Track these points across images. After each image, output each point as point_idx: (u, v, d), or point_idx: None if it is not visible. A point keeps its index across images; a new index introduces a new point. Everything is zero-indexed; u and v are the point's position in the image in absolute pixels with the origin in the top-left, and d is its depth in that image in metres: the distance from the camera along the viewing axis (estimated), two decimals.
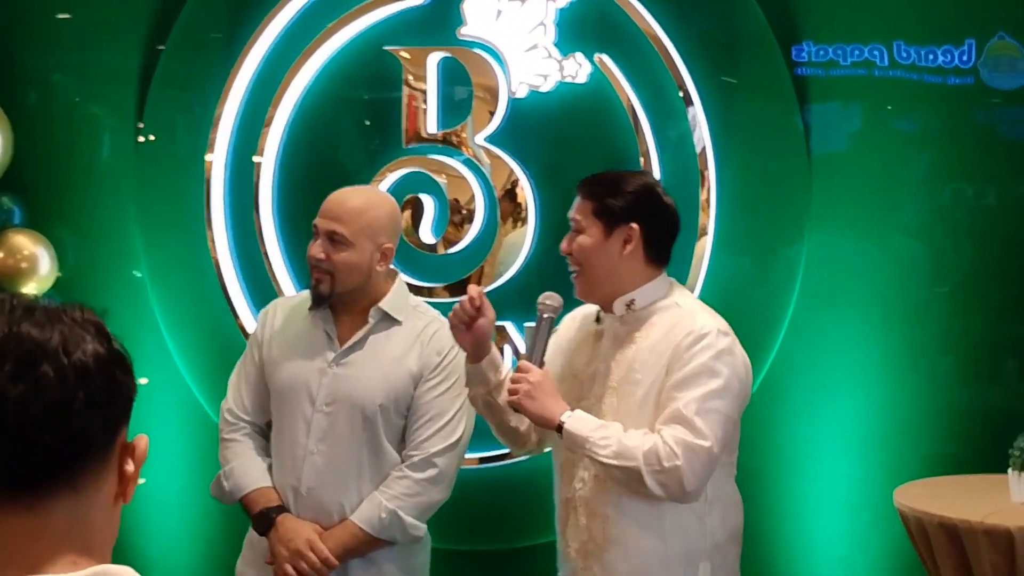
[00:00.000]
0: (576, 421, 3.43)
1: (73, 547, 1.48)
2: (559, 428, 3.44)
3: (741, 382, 3.43)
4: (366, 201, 3.84)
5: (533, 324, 3.65)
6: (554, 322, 3.60)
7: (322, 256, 3.72)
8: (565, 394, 3.59)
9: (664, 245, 3.59)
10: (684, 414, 3.32)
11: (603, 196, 3.54)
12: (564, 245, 3.60)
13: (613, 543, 3.52)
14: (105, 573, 1.46)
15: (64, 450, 1.46)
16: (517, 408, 3.51)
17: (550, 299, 3.57)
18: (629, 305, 3.53)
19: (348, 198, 3.80)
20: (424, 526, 3.78)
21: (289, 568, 3.67)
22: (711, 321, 3.45)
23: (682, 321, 3.45)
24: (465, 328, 3.54)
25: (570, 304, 3.67)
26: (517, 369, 3.53)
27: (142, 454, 1.54)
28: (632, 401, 3.47)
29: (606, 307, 3.59)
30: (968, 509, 4.06)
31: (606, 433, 3.38)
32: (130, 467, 1.53)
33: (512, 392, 3.50)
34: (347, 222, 3.72)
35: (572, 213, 3.59)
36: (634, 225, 3.51)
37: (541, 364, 3.54)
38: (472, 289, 3.61)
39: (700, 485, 3.35)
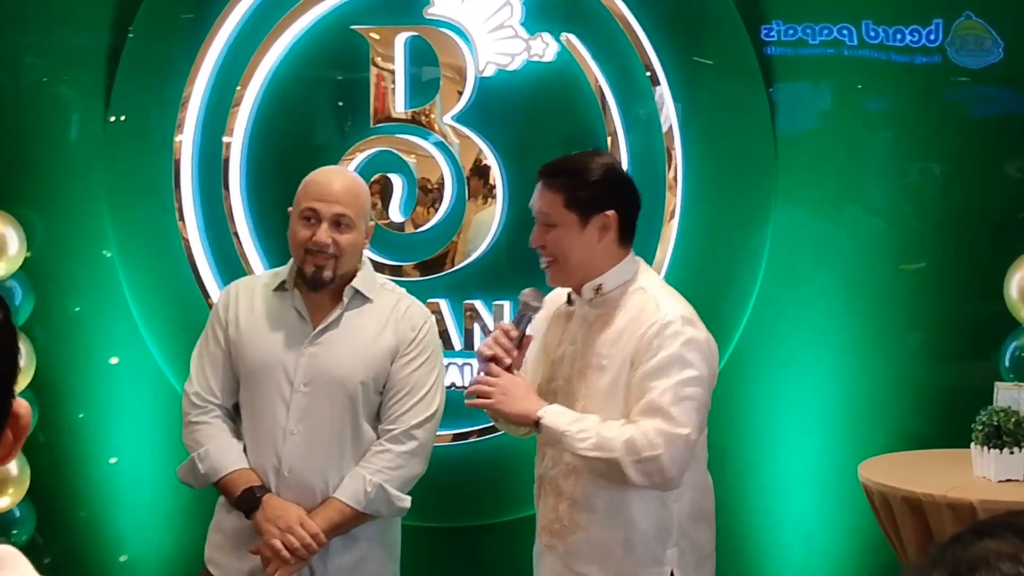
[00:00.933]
0: (552, 416, 3.45)
1: None
2: (536, 424, 3.47)
3: (710, 368, 3.46)
4: (355, 182, 3.88)
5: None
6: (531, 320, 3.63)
7: (329, 241, 3.71)
8: (538, 375, 3.63)
9: (634, 223, 3.62)
10: (660, 404, 3.35)
11: (572, 188, 3.53)
12: (535, 238, 3.59)
13: (578, 527, 3.56)
14: None
15: None
16: (492, 411, 3.56)
17: (532, 299, 3.60)
18: (597, 290, 3.55)
19: (337, 179, 3.81)
20: (409, 498, 3.80)
21: (279, 544, 3.66)
22: (675, 308, 3.46)
23: (646, 308, 3.47)
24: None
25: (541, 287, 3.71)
26: (486, 373, 3.55)
27: (25, 422, 1.51)
28: (599, 387, 3.50)
29: (577, 290, 3.61)
30: (931, 483, 4.09)
31: (584, 426, 3.40)
32: (10, 436, 1.50)
33: (483, 395, 3.53)
34: (349, 204, 3.74)
35: (539, 206, 3.58)
36: (610, 212, 3.52)
37: (521, 353, 3.57)
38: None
39: (680, 473, 3.39)
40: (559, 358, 3.62)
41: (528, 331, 3.62)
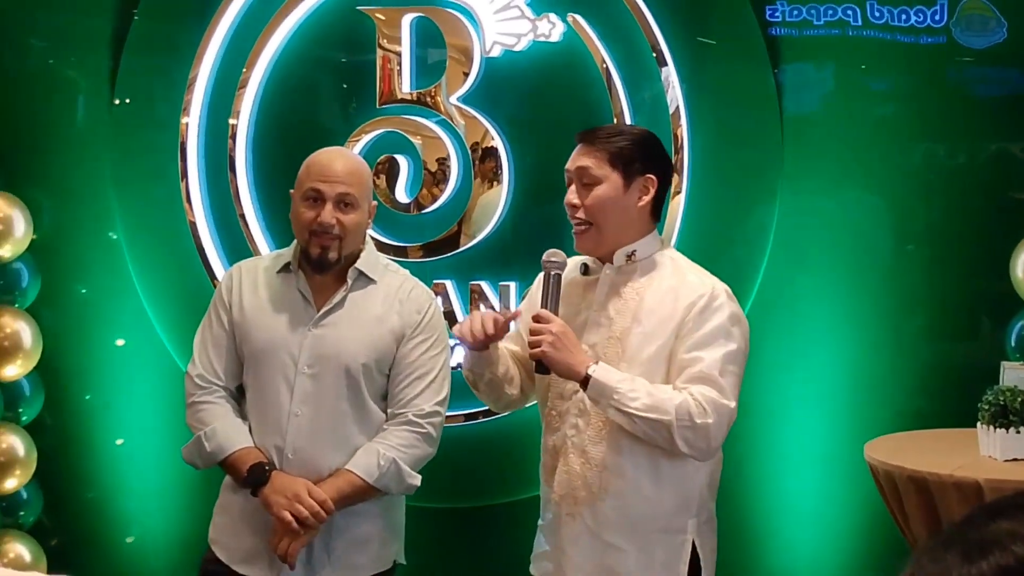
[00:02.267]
0: (604, 371, 3.43)
1: None
2: (586, 379, 3.43)
3: (747, 344, 3.53)
4: (357, 161, 3.89)
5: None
6: (560, 278, 3.59)
7: (334, 221, 3.71)
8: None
9: (665, 196, 3.66)
10: (710, 374, 3.38)
11: (616, 145, 3.54)
12: (573, 198, 3.56)
13: (608, 493, 3.54)
14: None
15: None
16: (541, 358, 3.47)
17: (555, 256, 3.57)
18: (630, 256, 3.56)
19: (339, 159, 3.81)
20: (419, 476, 3.80)
21: (287, 514, 3.66)
22: (718, 282, 3.52)
23: (688, 279, 3.51)
24: (473, 343, 3.57)
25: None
26: (536, 319, 3.50)
27: None
28: (644, 352, 3.49)
29: (605, 258, 3.60)
30: (937, 462, 4.09)
31: (634, 386, 3.40)
32: None
33: (534, 344, 3.47)
34: (353, 184, 3.74)
35: (580, 163, 3.55)
36: (652, 176, 3.54)
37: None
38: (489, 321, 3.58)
39: (719, 444, 3.47)
40: (580, 325, 3.59)
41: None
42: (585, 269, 3.65)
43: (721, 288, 3.49)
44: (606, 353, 3.53)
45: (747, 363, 3.54)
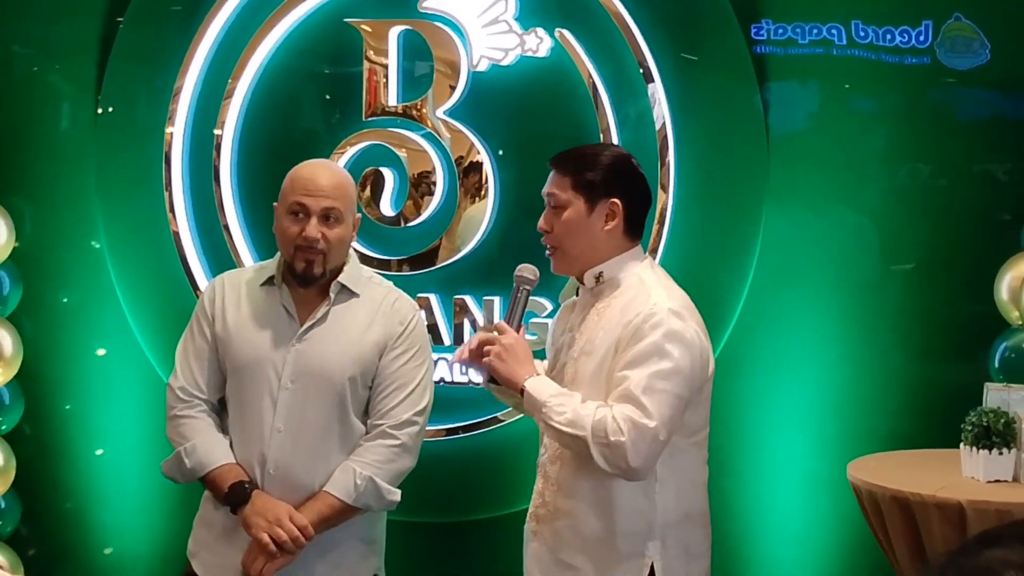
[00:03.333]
0: (537, 384, 3.48)
1: None
2: (522, 392, 3.49)
3: (693, 363, 3.42)
4: (341, 174, 3.86)
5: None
6: (530, 294, 3.65)
7: (319, 236, 3.68)
8: (548, 361, 3.67)
9: (641, 217, 3.63)
10: (633, 392, 3.34)
11: (582, 169, 3.56)
12: (543, 223, 3.61)
13: (563, 513, 3.57)
14: None
15: None
16: (488, 368, 3.56)
17: (529, 272, 3.63)
18: (598, 277, 3.57)
19: (323, 173, 3.78)
20: (399, 492, 3.78)
21: (266, 537, 3.64)
22: (664, 299, 3.45)
23: (638, 297, 3.47)
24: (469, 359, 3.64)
25: (546, 277, 3.72)
26: (493, 329, 3.59)
27: None
28: (586, 372, 3.51)
29: (580, 279, 3.64)
30: (920, 483, 4.09)
31: (563, 400, 3.42)
32: None
33: (484, 354, 3.56)
34: (338, 198, 3.72)
35: (548, 189, 3.60)
36: (616, 200, 3.53)
37: (517, 332, 3.60)
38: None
39: (645, 463, 3.37)
40: (560, 347, 3.66)
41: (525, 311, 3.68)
42: (578, 290, 3.68)
43: (664, 306, 3.41)
44: (569, 372, 3.58)
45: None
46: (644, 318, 3.40)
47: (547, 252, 3.62)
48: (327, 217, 3.69)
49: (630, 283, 3.53)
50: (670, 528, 3.54)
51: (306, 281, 3.74)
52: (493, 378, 3.60)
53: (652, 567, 3.51)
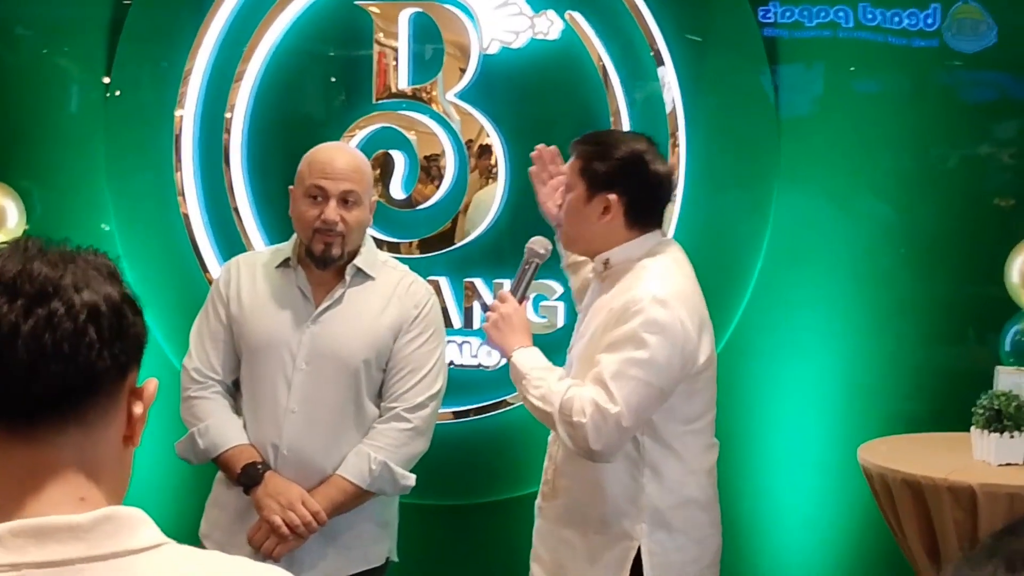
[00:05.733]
0: (524, 356, 3.54)
1: (81, 485, 1.51)
2: (509, 360, 3.56)
3: (671, 353, 3.39)
4: (359, 157, 3.86)
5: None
6: (538, 267, 3.68)
7: (338, 219, 3.69)
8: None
9: (648, 212, 3.60)
10: (602, 376, 3.36)
11: (591, 157, 3.57)
12: (559, 195, 3.70)
13: (561, 492, 3.63)
14: (111, 517, 1.48)
15: (72, 382, 1.48)
16: (486, 334, 3.64)
17: (540, 246, 3.67)
18: (605, 263, 3.58)
19: (341, 156, 3.79)
20: (413, 476, 3.79)
21: (279, 520, 3.66)
22: (652, 286, 3.43)
23: (632, 285, 3.48)
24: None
25: (559, 260, 3.80)
26: (499, 300, 3.65)
27: (150, 396, 1.58)
28: (581, 353, 3.56)
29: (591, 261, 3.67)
30: (932, 466, 4.10)
31: (542, 375, 3.47)
32: (138, 408, 1.57)
33: (485, 320, 3.65)
34: (357, 181, 3.73)
35: (565, 167, 3.67)
36: (611, 196, 3.53)
37: (521, 303, 3.64)
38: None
39: (606, 448, 3.37)
40: (576, 327, 3.69)
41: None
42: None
43: (649, 293, 3.39)
44: (571, 355, 3.64)
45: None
46: (627, 304, 3.40)
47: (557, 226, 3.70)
48: (346, 200, 3.70)
49: (635, 270, 3.53)
50: (660, 513, 3.54)
51: (325, 263, 3.74)
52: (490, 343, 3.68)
53: (639, 550, 3.54)
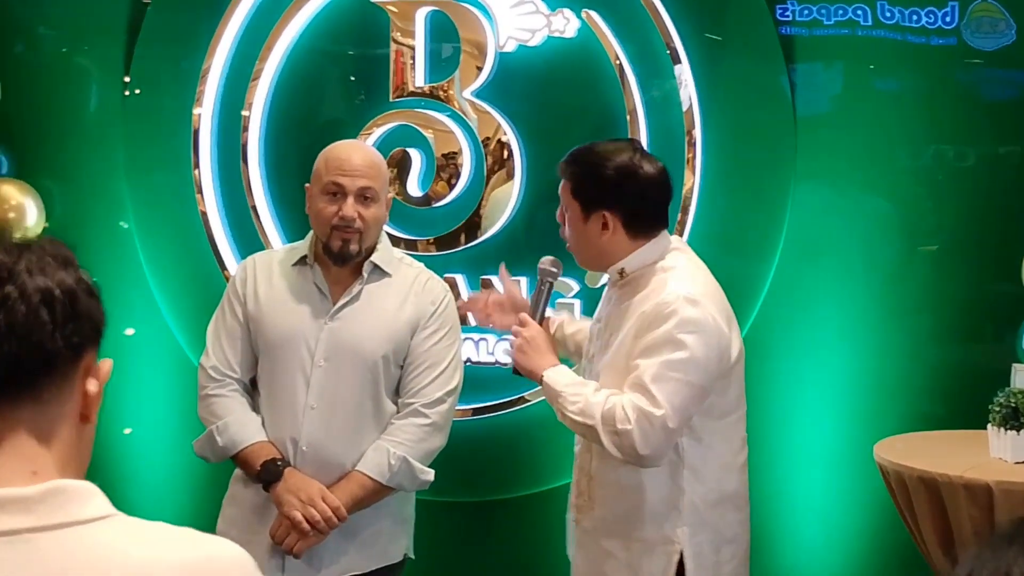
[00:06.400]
0: (555, 375, 3.55)
1: (34, 460, 1.57)
2: (541, 381, 3.55)
3: (708, 350, 3.42)
4: (374, 154, 3.89)
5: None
6: (553, 286, 3.73)
7: (356, 215, 3.71)
8: (584, 351, 3.71)
9: (649, 217, 3.60)
10: (643, 381, 3.37)
11: (580, 178, 3.58)
12: (559, 214, 3.68)
13: (597, 502, 3.62)
14: (60, 489, 1.55)
15: (26, 362, 1.55)
16: (512, 361, 3.67)
17: (551, 265, 3.71)
18: (621, 272, 3.58)
19: (358, 153, 3.81)
20: (432, 471, 3.81)
21: (299, 515, 3.67)
22: (682, 287, 3.45)
23: (657, 288, 3.48)
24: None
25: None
26: (520, 324, 3.69)
27: (106, 375, 1.65)
28: (612, 362, 3.54)
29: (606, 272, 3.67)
30: (948, 463, 4.09)
31: (577, 390, 3.48)
32: (92, 387, 1.63)
33: (512, 344, 3.67)
34: (374, 177, 3.75)
35: (559, 190, 3.65)
36: (606, 213, 3.53)
37: (540, 324, 3.66)
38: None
39: (655, 451, 3.39)
40: (592, 336, 3.69)
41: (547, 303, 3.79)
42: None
43: (679, 294, 3.41)
44: (596, 362, 3.63)
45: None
46: (658, 307, 3.41)
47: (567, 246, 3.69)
48: (363, 197, 3.72)
49: (655, 274, 3.53)
50: (700, 513, 3.56)
51: (342, 259, 3.76)
52: (517, 370, 3.70)
53: (682, 554, 3.54)
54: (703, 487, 3.56)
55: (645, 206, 3.58)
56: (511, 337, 3.71)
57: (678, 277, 3.50)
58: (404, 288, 3.83)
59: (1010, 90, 5.04)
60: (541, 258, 3.78)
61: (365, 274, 3.80)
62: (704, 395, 3.45)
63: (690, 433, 3.49)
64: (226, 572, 1.62)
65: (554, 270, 3.74)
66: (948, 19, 4.89)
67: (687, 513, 3.54)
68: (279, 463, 3.73)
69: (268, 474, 3.73)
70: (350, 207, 3.70)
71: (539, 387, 3.67)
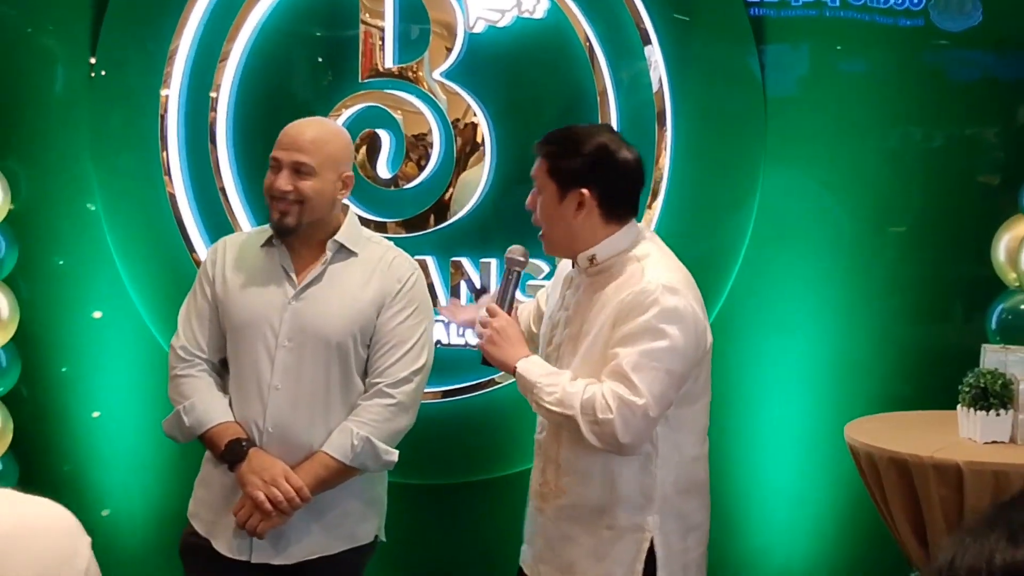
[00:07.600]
0: (529, 365, 3.53)
1: None
2: (514, 372, 3.53)
3: (688, 339, 3.42)
4: (325, 131, 3.85)
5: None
6: (522, 275, 3.71)
7: (289, 188, 3.72)
8: (543, 336, 3.68)
9: (623, 202, 3.59)
10: (623, 369, 3.36)
11: (557, 157, 3.56)
12: (529, 202, 3.64)
13: (563, 491, 3.60)
14: None
15: None
16: (482, 353, 3.63)
17: (519, 254, 3.69)
18: (591, 260, 3.56)
19: (305, 129, 3.80)
20: (396, 452, 3.80)
21: (262, 496, 3.67)
22: (659, 275, 3.44)
23: (633, 275, 3.47)
24: None
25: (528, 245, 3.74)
26: (489, 314, 3.65)
27: None
28: (587, 351, 3.52)
29: (573, 260, 3.64)
30: (918, 444, 4.10)
31: (553, 380, 3.45)
32: None
33: (479, 337, 3.63)
34: (311, 152, 3.73)
35: (533, 170, 3.62)
36: (584, 191, 3.52)
37: (509, 314, 3.64)
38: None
39: (636, 439, 3.39)
40: (556, 323, 3.67)
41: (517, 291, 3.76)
42: (574, 262, 3.68)
43: (658, 282, 3.40)
44: (564, 351, 3.59)
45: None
46: (637, 296, 3.40)
47: (539, 234, 3.65)
48: (297, 170, 3.71)
49: (627, 263, 3.52)
50: (669, 502, 3.56)
51: (281, 232, 3.78)
52: (486, 361, 3.67)
53: (652, 541, 3.54)
54: (673, 474, 3.56)
55: (620, 188, 3.57)
56: (479, 327, 3.68)
57: (654, 265, 3.49)
58: (370, 266, 3.82)
59: (977, 71, 5.05)
60: (509, 247, 3.75)
61: (329, 253, 3.79)
62: (682, 383, 3.46)
63: (663, 423, 3.49)
64: (46, 531, 1.58)
65: (522, 259, 3.72)
66: (916, 0, 4.90)
67: (658, 500, 3.54)
68: (244, 443, 3.73)
69: (232, 454, 3.73)
70: (283, 179, 3.73)
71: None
